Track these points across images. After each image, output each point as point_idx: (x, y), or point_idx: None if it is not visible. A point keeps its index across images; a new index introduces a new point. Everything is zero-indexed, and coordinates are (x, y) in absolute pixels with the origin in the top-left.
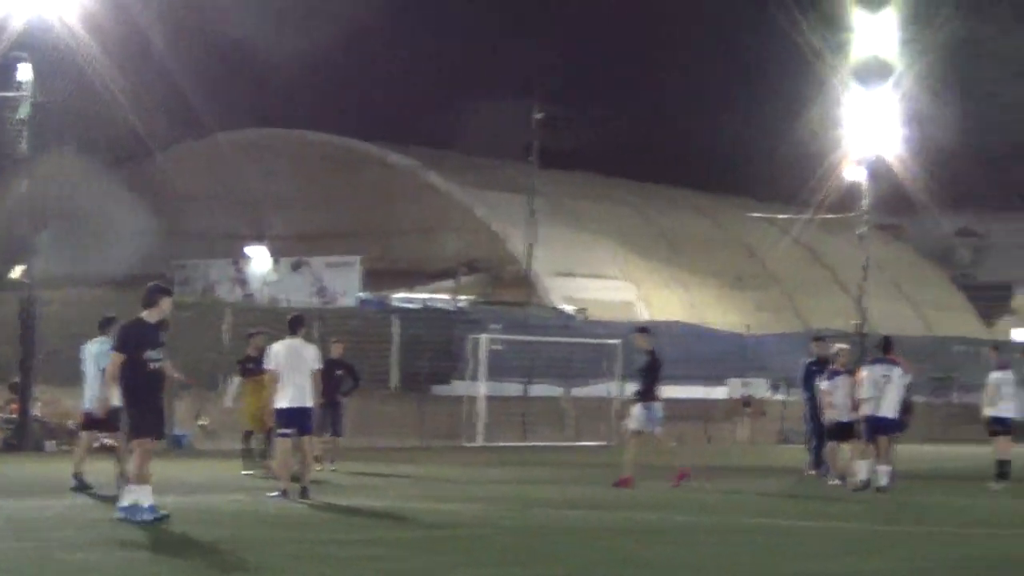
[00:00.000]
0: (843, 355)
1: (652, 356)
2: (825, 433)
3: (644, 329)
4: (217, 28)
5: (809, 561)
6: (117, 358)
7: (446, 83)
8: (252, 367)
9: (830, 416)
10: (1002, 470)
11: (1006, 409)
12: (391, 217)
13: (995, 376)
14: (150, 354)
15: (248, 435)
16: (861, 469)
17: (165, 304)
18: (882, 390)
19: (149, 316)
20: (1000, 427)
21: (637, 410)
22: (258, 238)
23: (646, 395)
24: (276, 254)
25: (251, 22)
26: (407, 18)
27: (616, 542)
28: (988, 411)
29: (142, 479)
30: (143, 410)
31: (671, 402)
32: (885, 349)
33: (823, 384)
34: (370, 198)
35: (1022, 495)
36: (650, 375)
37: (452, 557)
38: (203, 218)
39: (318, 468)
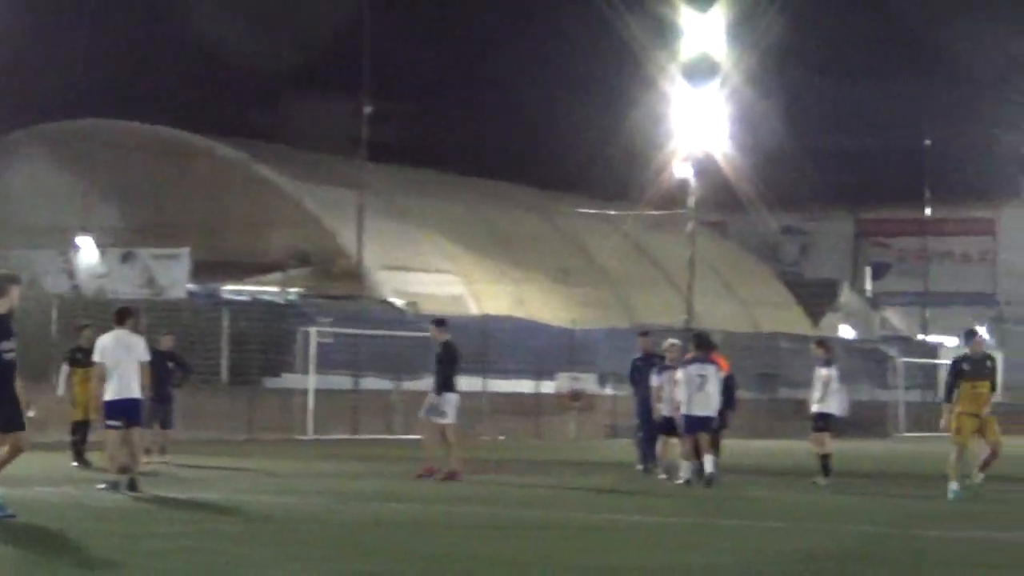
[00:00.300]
0: (673, 350)
1: (447, 348)
2: (654, 427)
3: (440, 321)
4: (39, 16)
5: (634, 554)
6: None
7: (275, 75)
8: (81, 358)
9: (660, 411)
10: (825, 465)
11: (830, 405)
12: (220, 209)
13: (822, 372)
14: (3, 344)
15: (76, 427)
16: (684, 467)
17: (14, 293)
18: (699, 389)
19: None
20: (823, 423)
21: (433, 399)
22: (84, 229)
23: (443, 386)
24: (103, 245)
25: (76, 11)
26: (233, 8)
27: (439, 536)
28: (815, 407)
29: None
30: (2, 403)
31: (501, 396)
32: (700, 347)
33: (653, 379)
34: (199, 190)
35: (843, 490)
36: (446, 367)
37: (276, 550)
38: (28, 208)
39: (147, 460)
